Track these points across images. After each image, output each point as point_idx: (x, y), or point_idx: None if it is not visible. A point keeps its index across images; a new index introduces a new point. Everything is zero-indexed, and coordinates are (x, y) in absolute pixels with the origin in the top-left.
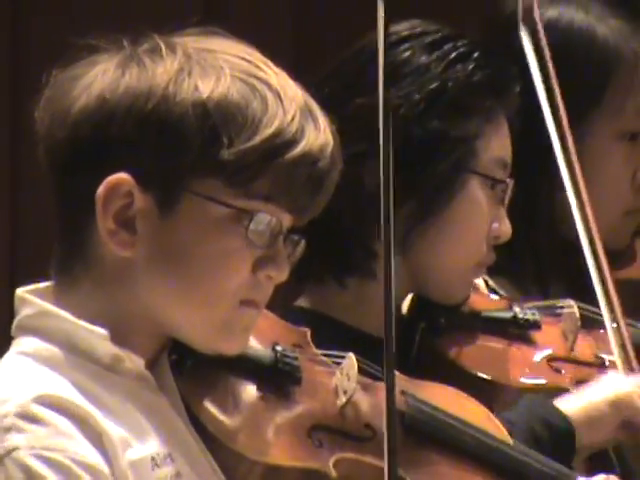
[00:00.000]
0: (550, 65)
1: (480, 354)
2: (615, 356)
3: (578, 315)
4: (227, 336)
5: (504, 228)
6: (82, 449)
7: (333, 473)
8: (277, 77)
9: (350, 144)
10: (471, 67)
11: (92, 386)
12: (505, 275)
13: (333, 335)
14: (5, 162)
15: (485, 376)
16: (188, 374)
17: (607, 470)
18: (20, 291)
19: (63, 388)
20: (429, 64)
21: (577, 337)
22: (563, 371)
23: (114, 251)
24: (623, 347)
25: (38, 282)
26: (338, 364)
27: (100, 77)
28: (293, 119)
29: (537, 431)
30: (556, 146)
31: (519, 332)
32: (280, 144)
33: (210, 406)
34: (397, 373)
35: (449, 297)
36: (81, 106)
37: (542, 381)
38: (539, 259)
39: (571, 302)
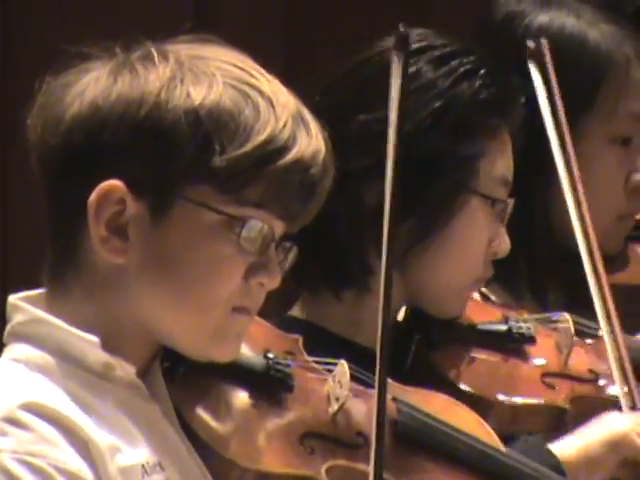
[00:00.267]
0: (558, 100)
1: (473, 370)
2: (612, 369)
3: (573, 330)
4: (219, 343)
5: (503, 246)
6: (64, 456)
7: None
8: (269, 84)
9: (351, 160)
10: (478, 85)
11: (83, 394)
12: (498, 281)
13: (327, 346)
14: None
15: (478, 394)
16: (180, 381)
17: None
18: (12, 298)
19: (52, 396)
20: (435, 80)
21: (571, 351)
22: (557, 387)
23: (106, 258)
24: (620, 360)
25: (30, 289)
26: (330, 371)
27: (93, 84)
28: (285, 126)
29: None
30: (557, 155)
31: (514, 346)
32: (272, 151)
33: (202, 413)
34: (390, 380)
35: (444, 312)
36: (74, 113)
37: (535, 400)
38: (534, 266)
39: (566, 316)
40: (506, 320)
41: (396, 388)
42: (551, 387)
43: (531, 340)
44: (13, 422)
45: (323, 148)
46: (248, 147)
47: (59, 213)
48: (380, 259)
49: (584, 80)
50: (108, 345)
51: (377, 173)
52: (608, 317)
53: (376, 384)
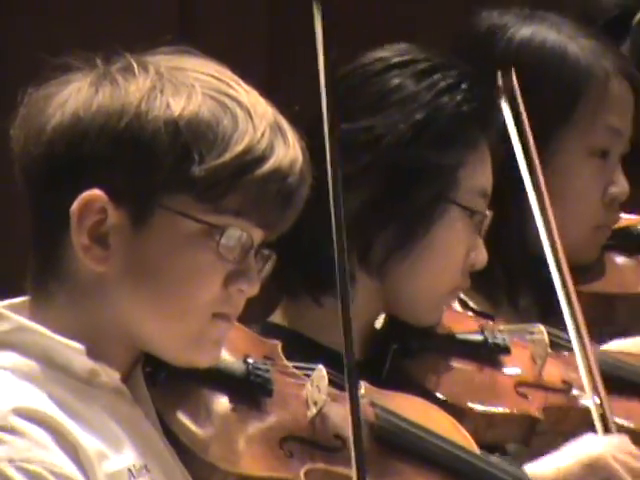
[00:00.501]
0: (529, 133)
1: (448, 379)
2: (583, 381)
3: (547, 341)
4: (199, 349)
5: (481, 257)
6: (59, 460)
7: None
8: (247, 95)
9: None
10: (459, 98)
11: (69, 399)
12: (476, 289)
13: (306, 353)
14: None
15: (451, 402)
16: (162, 386)
17: None
18: None
19: (40, 401)
20: (417, 93)
21: (545, 362)
22: (530, 397)
23: (88, 266)
24: (590, 371)
25: (14, 297)
26: (309, 376)
27: (74, 95)
28: (263, 136)
29: None
30: (527, 184)
31: (489, 356)
32: (250, 160)
33: (183, 418)
34: (368, 385)
35: (421, 320)
36: (55, 124)
37: (507, 409)
38: (511, 275)
39: (541, 327)
40: (482, 330)
41: (374, 392)
42: (524, 397)
43: (506, 350)
44: (6, 429)
45: (301, 157)
46: (226, 157)
47: (42, 222)
48: (360, 265)
49: (564, 93)
50: (92, 351)
51: (356, 181)
52: (578, 331)
53: (346, 386)
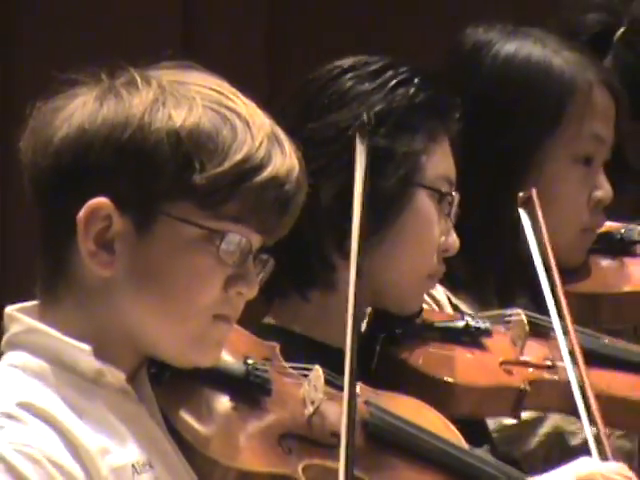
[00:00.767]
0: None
1: (437, 359)
2: (565, 361)
3: (526, 321)
4: (201, 349)
5: (451, 241)
6: (58, 453)
7: (302, 478)
8: (246, 107)
9: (306, 162)
10: (413, 90)
11: (76, 397)
12: (468, 291)
13: (299, 349)
14: None
15: (441, 379)
16: (166, 386)
17: None
18: (9, 309)
19: (46, 400)
20: (373, 89)
21: (525, 342)
22: (514, 372)
23: (94, 271)
24: (572, 353)
25: (26, 301)
26: (306, 376)
27: (80, 109)
28: (261, 145)
29: None
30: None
31: (471, 339)
32: (249, 169)
33: (186, 416)
34: (363, 385)
35: (403, 308)
36: (62, 136)
37: (494, 383)
38: (502, 276)
39: (519, 310)
40: (462, 317)
41: (369, 392)
42: (509, 373)
43: (487, 333)
44: (10, 416)
45: (297, 166)
46: (226, 165)
47: (50, 229)
48: (338, 255)
49: (550, 106)
50: (99, 352)
51: (329, 173)
52: (559, 310)
53: (345, 381)
